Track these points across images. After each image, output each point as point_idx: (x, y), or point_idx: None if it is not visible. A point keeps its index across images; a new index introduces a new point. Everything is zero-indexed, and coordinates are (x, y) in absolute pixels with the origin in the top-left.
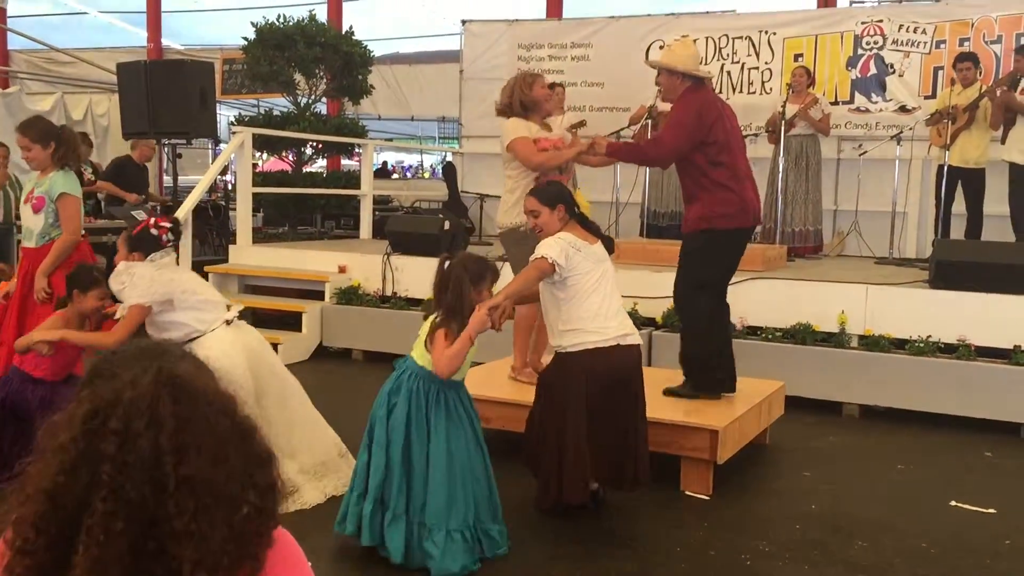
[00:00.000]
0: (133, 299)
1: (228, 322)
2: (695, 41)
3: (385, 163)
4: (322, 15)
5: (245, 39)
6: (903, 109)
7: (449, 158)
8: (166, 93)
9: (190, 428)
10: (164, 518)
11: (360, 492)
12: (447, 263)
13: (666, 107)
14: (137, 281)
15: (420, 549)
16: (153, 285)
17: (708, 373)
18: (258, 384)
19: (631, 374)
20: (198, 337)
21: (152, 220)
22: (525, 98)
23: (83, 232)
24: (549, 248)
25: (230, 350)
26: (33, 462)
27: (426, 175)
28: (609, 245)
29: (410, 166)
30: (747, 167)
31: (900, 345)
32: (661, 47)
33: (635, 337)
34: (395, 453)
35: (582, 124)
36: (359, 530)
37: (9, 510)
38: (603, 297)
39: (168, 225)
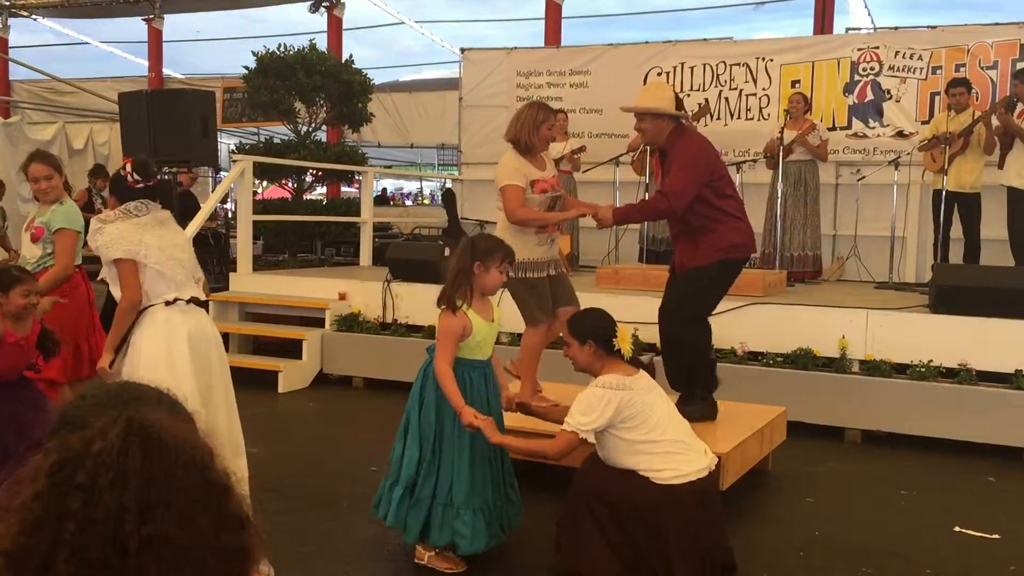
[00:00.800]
0: (111, 255)
1: (168, 303)
2: (692, 69)
3: (384, 190)
4: (322, 44)
5: (246, 68)
6: (900, 134)
7: (449, 185)
8: (167, 121)
9: (157, 485)
10: None
11: (393, 480)
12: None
13: None
14: (106, 238)
15: (446, 529)
16: (120, 242)
17: (706, 397)
18: (207, 375)
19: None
20: (144, 309)
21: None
22: (529, 140)
23: (78, 264)
24: (583, 416)
25: (158, 333)
26: None
27: (426, 201)
28: (651, 373)
29: (409, 193)
30: None
31: (901, 370)
32: (659, 74)
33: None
34: (427, 446)
35: (582, 150)
36: (388, 513)
37: None
38: (676, 426)
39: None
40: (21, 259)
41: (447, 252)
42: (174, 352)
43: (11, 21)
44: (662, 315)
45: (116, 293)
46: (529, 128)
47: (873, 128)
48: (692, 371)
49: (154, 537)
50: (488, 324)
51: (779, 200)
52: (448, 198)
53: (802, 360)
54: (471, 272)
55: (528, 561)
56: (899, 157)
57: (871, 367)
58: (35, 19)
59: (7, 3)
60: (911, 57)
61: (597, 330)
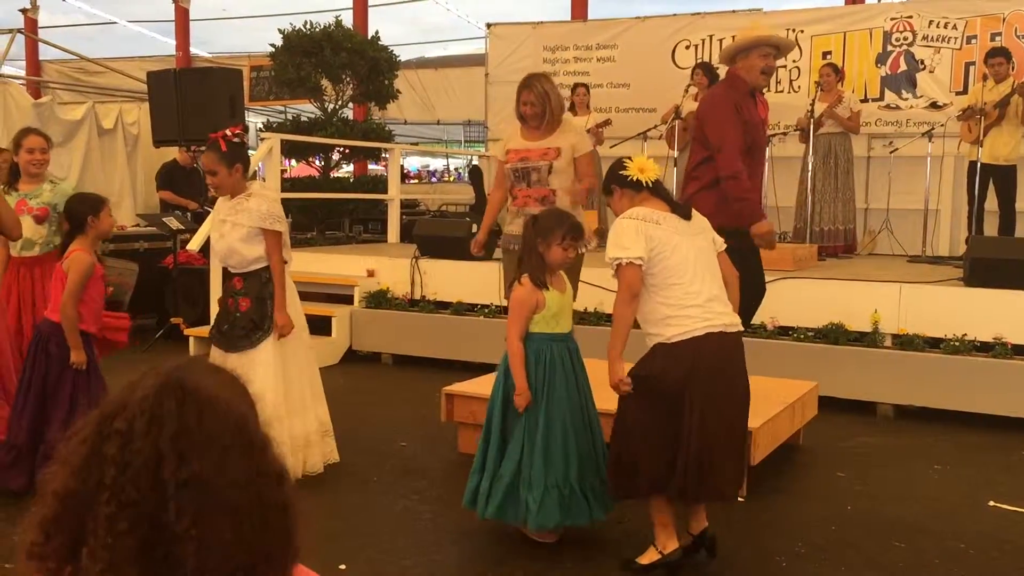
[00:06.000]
0: (279, 226)
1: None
2: (720, 41)
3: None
4: (348, 21)
5: (272, 46)
6: (934, 106)
7: (475, 161)
8: (195, 100)
9: (192, 433)
10: (167, 522)
11: (477, 468)
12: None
13: (694, 106)
14: (279, 210)
15: (519, 505)
16: (277, 207)
17: None
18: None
19: (738, 365)
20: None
21: (226, 132)
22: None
23: None
24: (621, 245)
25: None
26: (54, 466)
27: (451, 179)
28: (686, 215)
29: (435, 171)
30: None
31: (935, 344)
32: (687, 47)
33: (738, 323)
34: (512, 436)
35: (607, 123)
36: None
37: (28, 518)
38: (699, 274)
39: (240, 130)
40: (24, 241)
41: (474, 228)
42: (294, 299)
43: (40, 2)
44: None
45: (242, 257)
46: (515, 103)
47: (906, 99)
48: None
49: (190, 481)
50: (561, 295)
51: (809, 173)
52: (475, 175)
53: (833, 334)
54: (538, 252)
55: (612, 545)
56: (933, 129)
57: (904, 341)
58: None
59: None
60: (945, 26)
61: (610, 173)
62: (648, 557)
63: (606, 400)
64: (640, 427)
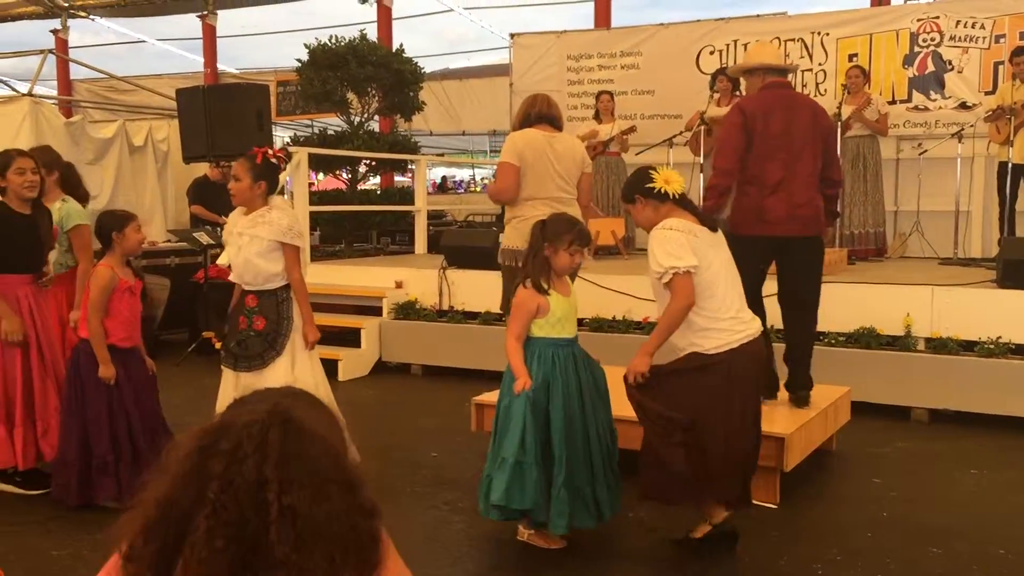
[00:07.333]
0: (298, 241)
1: None
2: (745, 46)
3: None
4: (373, 34)
5: (299, 61)
6: (963, 106)
7: None
8: (224, 116)
9: (295, 462)
10: (266, 545)
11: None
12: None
13: (719, 112)
14: (295, 221)
15: (525, 489)
16: (298, 223)
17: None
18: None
19: (763, 364)
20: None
21: (267, 150)
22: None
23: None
24: (673, 254)
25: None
26: (153, 475)
27: (477, 189)
28: (713, 227)
29: (461, 181)
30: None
31: (969, 347)
32: (711, 53)
33: (759, 327)
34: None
35: (632, 130)
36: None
37: (124, 520)
38: (729, 286)
39: (283, 155)
40: None
41: (501, 238)
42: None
43: (70, 22)
44: None
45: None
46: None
47: (935, 100)
48: None
49: (293, 507)
50: (566, 300)
51: None
52: None
53: (865, 339)
54: (543, 255)
55: (623, 545)
56: (962, 129)
57: (937, 345)
58: (93, 19)
59: (66, 4)
60: (973, 26)
61: (634, 183)
62: (700, 531)
63: (626, 408)
64: (678, 428)
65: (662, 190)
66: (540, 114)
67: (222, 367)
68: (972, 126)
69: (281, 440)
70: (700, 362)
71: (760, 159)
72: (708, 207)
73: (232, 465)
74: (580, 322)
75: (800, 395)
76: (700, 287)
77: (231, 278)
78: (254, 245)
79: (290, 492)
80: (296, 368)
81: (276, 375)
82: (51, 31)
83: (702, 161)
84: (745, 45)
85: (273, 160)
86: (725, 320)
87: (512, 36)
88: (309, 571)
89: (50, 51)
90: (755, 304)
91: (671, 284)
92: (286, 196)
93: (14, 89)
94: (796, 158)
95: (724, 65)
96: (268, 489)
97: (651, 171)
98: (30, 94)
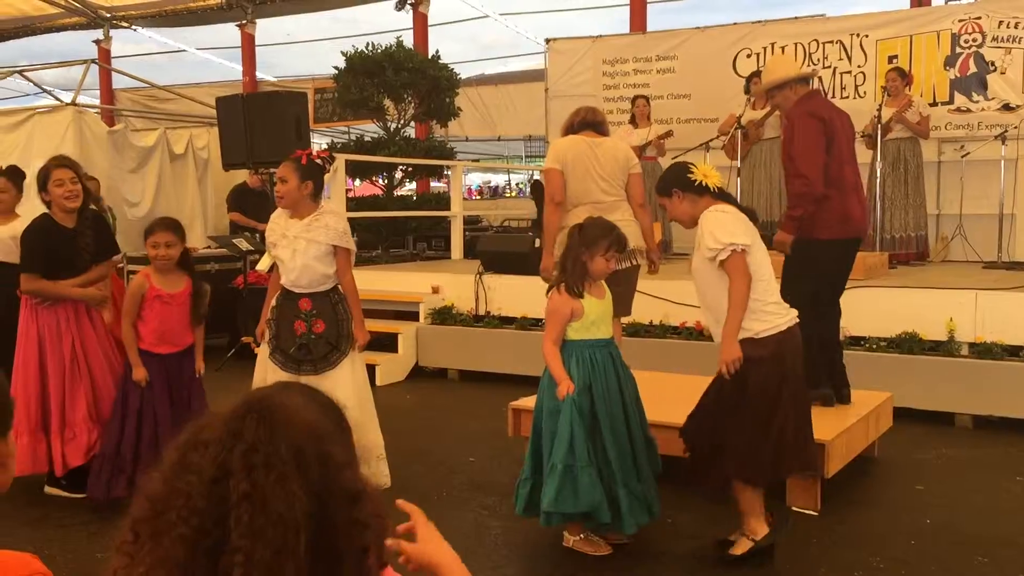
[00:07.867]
0: (351, 243)
1: None
2: (783, 48)
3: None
4: (409, 41)
5: (336, 68)
6: (1006, 107)
7: (537, 176)
8: (262, 124)
9: (261, 448)
10: (228, 533)
11: (528, 475)
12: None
13: (755, 115)
14: (347, 225)
15: (578, 493)
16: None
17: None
18: None
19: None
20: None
21: (311, 151)
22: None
23: None
24: (730, 231)
25: None
26: (151, 472)
27: (513, 194)
28: (753, 218)
29: (496, 186)
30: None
31: (1014, 352)
32: (748, 56)
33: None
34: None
35: (669, 135)
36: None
37: (126, 516)
38: (770, 274)
39: (326, 155)
40: None
41: (537, 243)
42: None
43: (112, 32)
44: None
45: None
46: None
47: (977, 102)
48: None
49: (250, 495)
50: (600, 302)
51: (878, 180)
52: (537, 190)
53: (907, 344)
54: (581, 261)
55: (662, 551)
56: (1006, 131)
57: (981, 349)
58: (135, 29)
59: (108, 15)
60: (1016, 26)
61: (672, 176)
62: (742, 547)
63: (664, 413)
64: (737, 416)
65: (702, 183)
66: (584, 121)
67: (271, 371)
68: (1016, 127)
69: (254, 428)
70: (752, 346)
71: (839, 163)
72: (797, 216)
73: (207, 456)
74: None
75: (843, 393)
76: (752, 266)
77: (282, 282)
78: (312, 249)
79: (250, 478)
80: (355, 368)
81: (342, 375)
82: (94, 41)
83: (738, 165)
84: (783, 48)
85: (318, 161)
86: (771, 304)
87: (547, 41)
88: (260, 558)
89: (93, 61)
90: (834, 306)
91: (728, 263)
92: (323, 202)
93: (58, 99)
94: (853, 159)
95: (760, 68)
96: (233, 476)
97: (690, 165)
98: (74, 103)
